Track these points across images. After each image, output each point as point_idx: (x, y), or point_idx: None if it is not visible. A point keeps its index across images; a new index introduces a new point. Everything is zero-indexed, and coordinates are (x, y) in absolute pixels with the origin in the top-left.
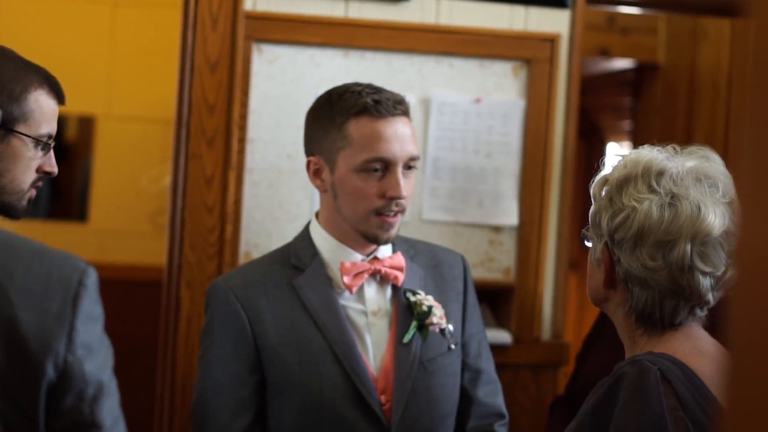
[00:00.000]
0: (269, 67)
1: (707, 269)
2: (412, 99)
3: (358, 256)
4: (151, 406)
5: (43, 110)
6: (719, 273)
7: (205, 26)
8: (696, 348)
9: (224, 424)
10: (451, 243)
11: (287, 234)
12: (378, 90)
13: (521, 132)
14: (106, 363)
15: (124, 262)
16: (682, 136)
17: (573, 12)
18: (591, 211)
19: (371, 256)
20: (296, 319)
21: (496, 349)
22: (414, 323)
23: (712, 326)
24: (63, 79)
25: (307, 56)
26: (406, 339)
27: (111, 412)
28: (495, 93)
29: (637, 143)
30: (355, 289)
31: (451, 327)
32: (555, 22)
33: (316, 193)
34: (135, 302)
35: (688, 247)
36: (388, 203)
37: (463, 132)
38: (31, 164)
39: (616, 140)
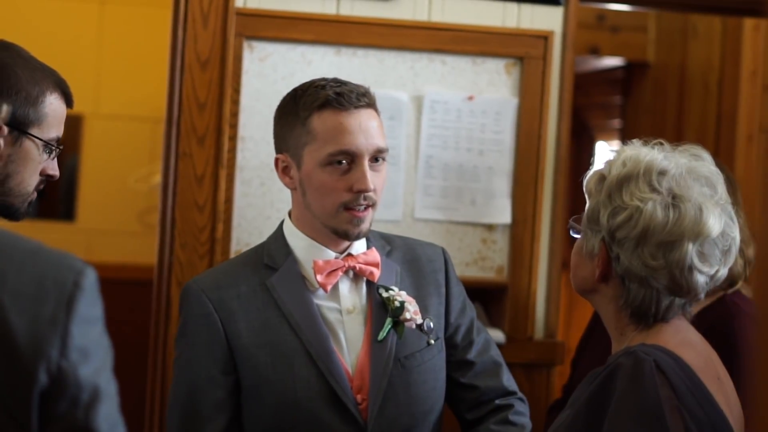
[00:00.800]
0: (260, 65)
1: (705, 269)
2: (404, 96)
3: (331, 254)
4: (141, 406)
5: (55, 114)
6: (713, 272)
7: (196, 23)
8: (685, 340)
9: (199, 427)
10: (443, 242)
11: None
12: (342, 83)
13: (514, 130)
14: (104, 366)
15: (113, 261)
16: (672, 135)
17: (566, 9)
18: (588, 206)
19: (345, 253)
20: (269, 319)
21: None
22: (388, 320)
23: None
24: None
25: (298, 54)
26: (381, 336)
27: (108, 417)
28: (488, 90)
29: (626, 142)
30: (329, 287)
31: (430, 322)
32: (548, 19)
33: None
34: (123, 302)
35: (690, 248)
36: (355, 197)
37: (455, 130)
38: (38, 167)
39: (605, 139)
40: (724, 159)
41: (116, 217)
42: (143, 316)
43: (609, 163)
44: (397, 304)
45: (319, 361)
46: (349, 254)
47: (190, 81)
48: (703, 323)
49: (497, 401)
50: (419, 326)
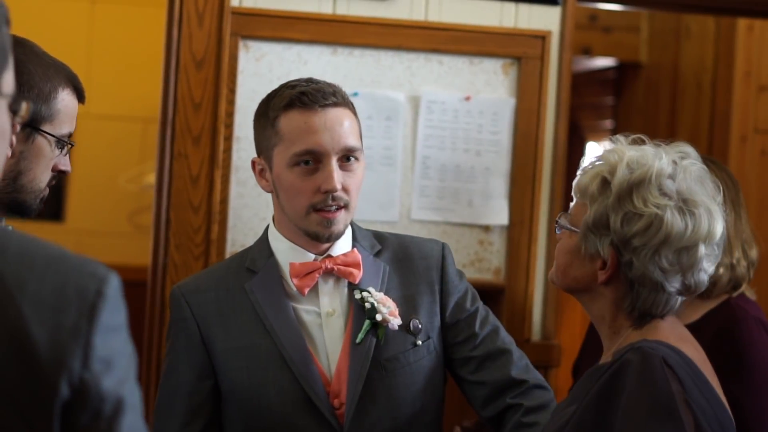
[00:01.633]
0: (256, 65)
1: (710, 269)
2: (400, 97)
3: (310, 256)
4: None
5: (68, 110)
6: (713, 270)
7: (191, 23)
8: (681, 335)
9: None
10: None
11: None
12: (312, 82)
13: (511, 130)
14: (128, 375)
15: (102, 262)
16: (665, 135)
17: (564, 9)
18: (595, 210)
19: (325, 255)
20: (246, 323)
21: None
22: (367, 322)
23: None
24: None
25: (294, 53)
26: (359, 339)
27: (132, 428)
28: (485, 91)
29: (609, 139)
30: (306, 290)
31: (417, 322)
32: (545, 18)
33: None
34: None
35: (702, 251)
36: (324, 198)
37: (452, 130)
38: (50, 164)
39: (596, 140)
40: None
41: (106, 218)
42: (134, 317)
43: (608, 166)
44: (368, 305)
45: (293, 366)
46: (329, 256)
47: (185, 81)
48: (709, 327)
49: (509, 399)
50: (406, 327)
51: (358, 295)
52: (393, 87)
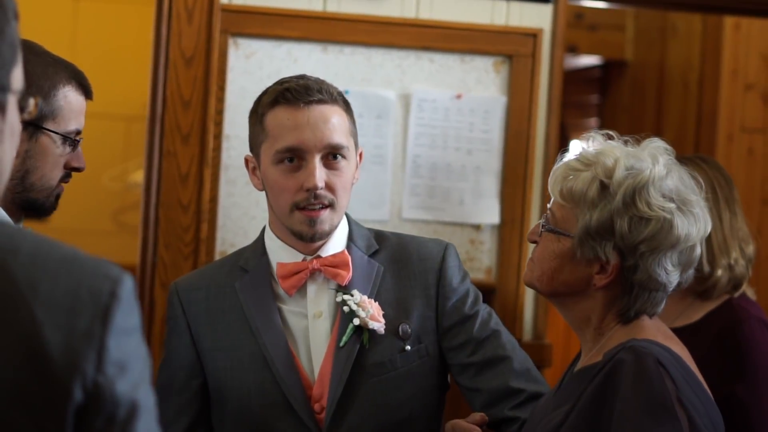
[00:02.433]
0: (246, 62)
1: (697, 264)
2: (391, 95)
3: (300, 256)
4: None
5: (71, 106)
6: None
7: (181, 19)
8: (666, 333)
9: (163, 429)
10: None
11: None
12: (302, 78)
13: (503, 129)
14: (142, 378)
15: None
16: (651, 134)
17: (555, 6)
18: (598, 216)
19: (315, 255)
20: (232, 322)
21: None
22: (351, 325)
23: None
24: None
25: (284, 51)
26: (342, 342)
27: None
28: (476, 89)
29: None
30: (293, 291)
31: (407, 326)
32: (537, 16)
33: None
34: None
35: (698, 248)
36: (306, 196)
37: (443, 129)
38: (59, 161)
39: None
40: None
41: (90, 216)
42: None
43: (603, 169)
44: (346, 308)
45: (274, 368)
46: (318, 256)
47: (174, 78)
48: (711, 328)
49: (506, 411)
50: (395, 331)
51: (339, 298)
52: (384, 85)
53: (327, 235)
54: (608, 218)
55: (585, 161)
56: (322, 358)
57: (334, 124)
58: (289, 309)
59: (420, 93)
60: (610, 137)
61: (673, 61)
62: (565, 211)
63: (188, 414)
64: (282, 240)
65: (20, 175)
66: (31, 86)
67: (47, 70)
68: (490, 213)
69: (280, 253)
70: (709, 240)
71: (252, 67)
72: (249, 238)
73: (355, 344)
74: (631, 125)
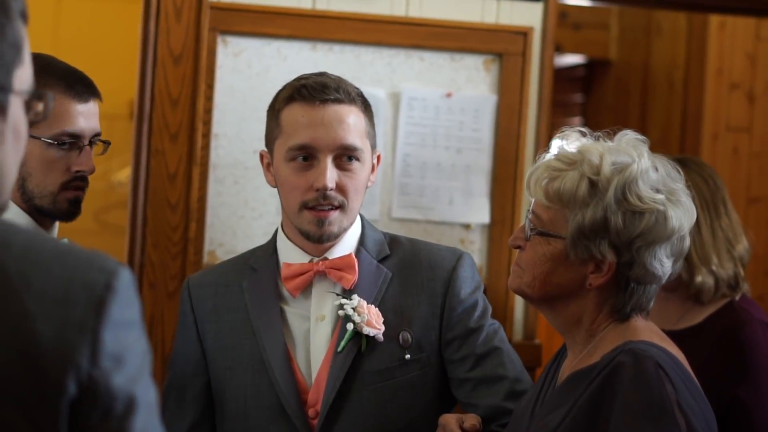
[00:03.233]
0: (235, 60)
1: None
2: (381, 93)
3: (307, 257)
4: None
5: (57, 109)
6: None
7: (169, 17)
8: (659, 334)
9: (167, 427)
10: None
11: (253, 232)
12: (321, 75)
13: (493, 127)
14: (141, 373)
15: None
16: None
17: (546, 5)
18: (591, 214)
19: (322, 257)
20: (235, 321)
21: None
22: (348, 330)
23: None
24: None
25: (273, 49)
26: (340, 347)
27: (145, 427)
28: (466, 87)
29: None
30: (297, 293)
31: (408, 334)
32: (527, 15)
33: None
34: None
35: (689, 239)
36: (316, 196)
37: (433, 127)
38: (54, 165)
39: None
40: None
41: None
42: None
43: (590, 167)
44: (341, 312)
45: (270, 370)
46: (325, 258)
47: (162, 76)
48: (713, 331)
49: (494, 427)
50: (396, 339)
51: (337, 301)
52: (373, 83)
53: (336, 236)
54: (602, 216)
55: (567, 160)
56: (320, 363)
57: (349, 124)
58: (293, 311)
59: (410, 91)
60: (583, 134)
61: (658, 60)
62: (552, 212)
63: (190, 413)
64: (291, 240)
65: (20, 184)
66: None
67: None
68: (480, 212)
69: (289, 254)
70: None
71: (241, 66)
72: (238, 238)
73: (353, 350)
74: (615, 124)
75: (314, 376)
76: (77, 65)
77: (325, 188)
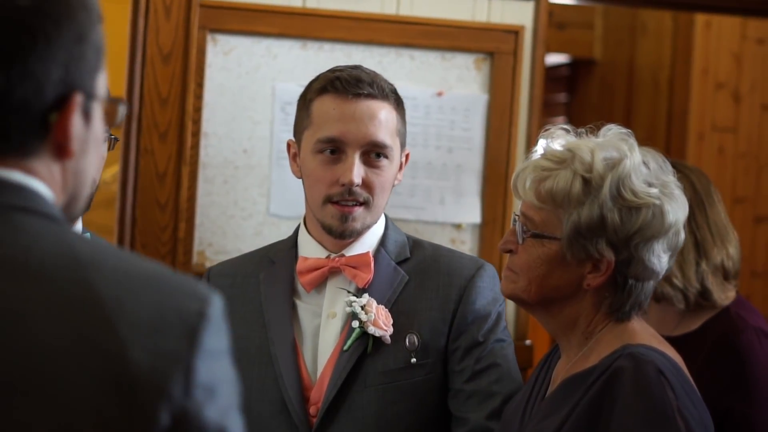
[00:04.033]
0: (224, 59)
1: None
2: None
3: (325, 252)
4: None
5: None
6: None
7: (158, 15)
8: (657, 337)
9: None
10: None
11: (242, 232)
12: (355, 68)
13: (484, 127)
14: (231, 403)
15: None
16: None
17: (537, 4)
18: (587, 213)
19: (339, 254)
20: (249, 313)
21: None
22: (356, 329)
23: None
24: None
25: (263, 47)
26: (346, 346)
27: None
28: (457, 86)
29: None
30: (311, 288)
31: (414, 338)
32: (518, 13)
33: (274, 190)
34: None
35: (683, 233)
36: (341, 190)
37: (424, 127)
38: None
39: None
40: (674, 158)
41: None
42: None
43: (582, 164)
44: (348, 309)
45: (276, 364)
46: (343, 255)
47: (151, 75)
48: (708, 337)
49: None
50: (403, 342)
51: (346, 297)
52: None
53: (357, 233)
54: (598, 214)
55: (556, 159)
56: (327, 360)
57: (380, 120)
58: (305, 306)
59: (400, 90)
60: (567, 131)
61: (643, 60)
62: (545, 213)
63: None
64: (312, 235)
65: None
66: None
67: None
68: (471, 212)
69: (308, 248)
70: None
71: (230, 64)
72: (227, 238)
73: (359, 350)
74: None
75: (319, 373)
76: None
77: (351, 183)
